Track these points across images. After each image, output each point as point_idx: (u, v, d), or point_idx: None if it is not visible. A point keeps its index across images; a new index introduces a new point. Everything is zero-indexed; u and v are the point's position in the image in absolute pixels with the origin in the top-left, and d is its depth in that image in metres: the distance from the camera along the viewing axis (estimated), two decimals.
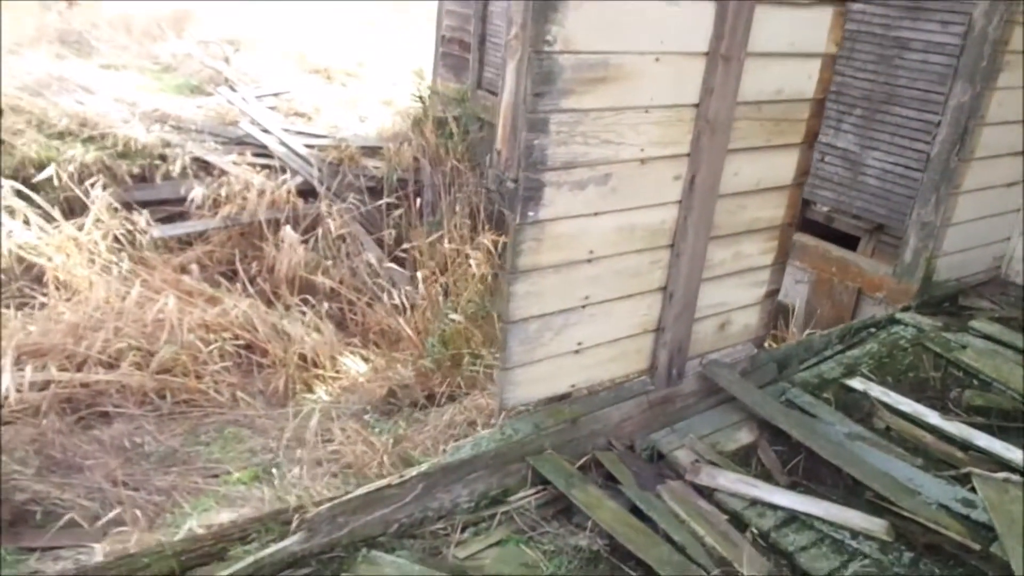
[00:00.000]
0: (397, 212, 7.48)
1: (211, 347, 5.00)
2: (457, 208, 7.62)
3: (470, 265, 5.91)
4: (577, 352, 3.07)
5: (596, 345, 3.12)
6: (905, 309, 4.51)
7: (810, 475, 3.23)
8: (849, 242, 5.60)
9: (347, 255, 6.86)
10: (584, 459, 3.11)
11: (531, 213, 2.66)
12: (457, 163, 7.95)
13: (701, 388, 3.57)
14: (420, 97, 8.71)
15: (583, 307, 3.00)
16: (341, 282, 6.59)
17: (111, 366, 5.02)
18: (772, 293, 3.72)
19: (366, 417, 4.35)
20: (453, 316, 4.73)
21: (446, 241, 5.86)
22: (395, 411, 4.51)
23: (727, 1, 2.78)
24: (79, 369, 5.03)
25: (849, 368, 3.94)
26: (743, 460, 3.29)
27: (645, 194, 2.97)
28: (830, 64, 3.32)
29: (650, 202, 3.00)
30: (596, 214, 2.85)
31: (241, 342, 5.31)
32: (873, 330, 4.32)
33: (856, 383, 3.80)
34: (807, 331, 4.70)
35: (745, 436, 3.40)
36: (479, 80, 8.81)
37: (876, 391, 3.74)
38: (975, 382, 3.92)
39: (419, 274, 5.81)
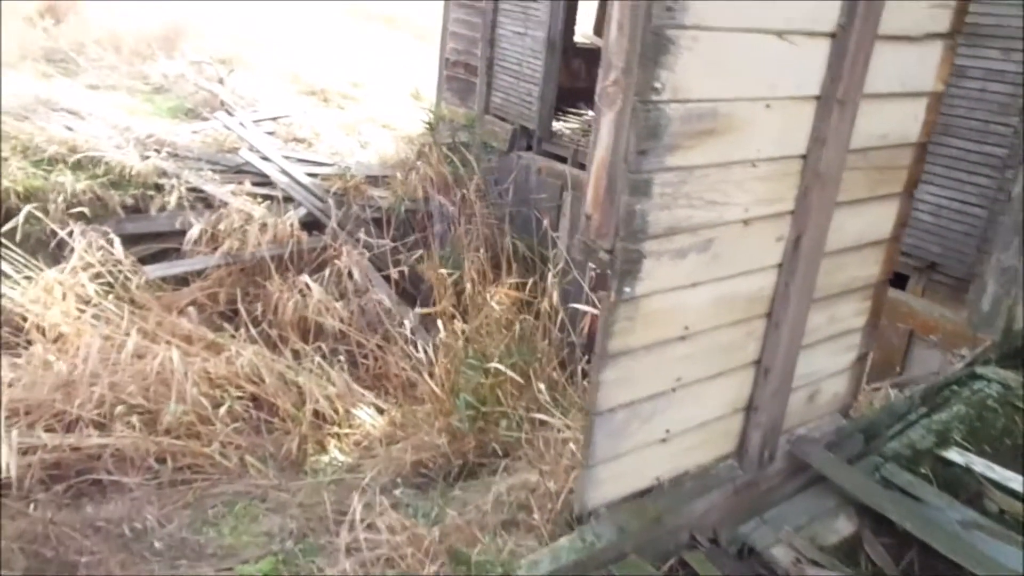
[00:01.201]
0: (406, 244, 7.06)
1: (217, 405, 4.52)
2: (469, 241, 7.22)
3: (492, 308, 5.49)
4: (664, 440, 2.65)
5: (684, 431, 2.70)
6: (986, 363, 4.13)
7: (925, 571, 2.83)
8: (896, 280, 5.24)
9: (355, 293, 6.41)
10: (670, 562, 2.69)
11: (627, 289, 2.24)
12: (468, 193, 7.55)
13: (787, 467, 3.15)
14: (428, 123, 8.29)
15: (674, 390, 2.58)
16: (350, 323, 6.14)
17: (104, 427, 4.53)
18: (863, 357, 3.32)
19: (397, 493, 3.89)
20: (493, 365, 4.29)
21: (467, 285, 5.43)
22: (428, 485, 4.05)
23: (847, 37, 2.38)
24: (69, 430, 4.54)
25: (940, 435, 3.54)
26: (848, 556, 2.88)
27: (746, 259, 2.56)
28: (936, 104, 2.93)
29: (750, 267, 2.59)
30: (694, 285, 2.44)
31: (247, 396, 4.84)
32: (956, 388, 3.93)
33: (954, 455, 3.40)
34: (879, 385, 4.31)
35: (845, 526, 2.99)
36: (487, 105, 8.43)
37: (978, 465, 3.34)
38: None
39: (439, 322, 5.37)
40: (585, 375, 5.16)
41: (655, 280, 2.31)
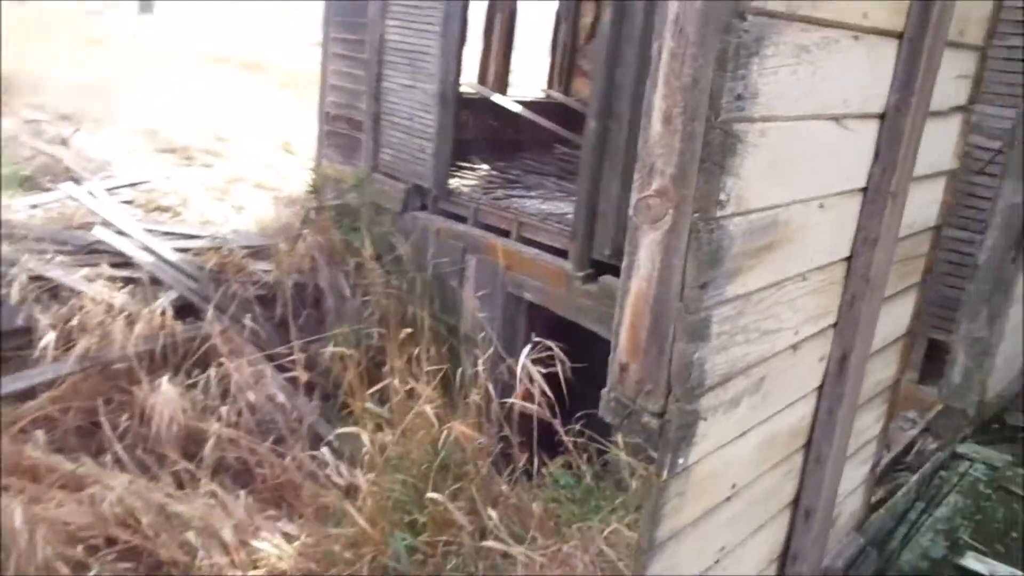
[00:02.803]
0: (298, 325, 6.23)
1: (82, 568, 3.57)
2: (369, 315, 6.51)
3: (417, 404, 4.80)
4: None
5: None
6: (962, 440, 3.86)
7: None
8: None
9: (244, 389, 5.53)
10: None
11: (681, 460, 1.68)
12: (363, 261, 6.84)
13: None
14: (312, 186, 7.52)
15: (717, 561, 2.03)
16: (240, 427, 5.26)
17: None
18: (875, 467, 2.91)
19: None
20: (433, 496, 3.60)
21: (394, 378, 4.70)
22: None
23: (901, 118, 1.95)
24: None
25: (949, 538, 3.18)
26: None
27: (792, 389, 2.06)
28: (952, 183, 2.59)
29: (794, 398, 2.10)
30: (743, 434, 1.91)
31: (121, 547, 3.91)
32: (943, 474, 3.62)
33: (973, 563, 3.03)
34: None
35: None
36: (376, 163, 7.77)
37: (1004, 572, 2.99)
38: None
39: (352, 419, 4.61)
40: (530, 476, 4.57)
41: (709, 440, 1.76)
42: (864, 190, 2.02)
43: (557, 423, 4.55)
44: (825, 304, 2.05)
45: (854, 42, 1.75)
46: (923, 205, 2.42)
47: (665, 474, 1.66)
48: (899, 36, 1.92)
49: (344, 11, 7.92)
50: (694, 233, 1.52)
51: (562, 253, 6.22)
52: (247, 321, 5.88)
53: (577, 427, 4.69)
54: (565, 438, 4.62)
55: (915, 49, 1.91)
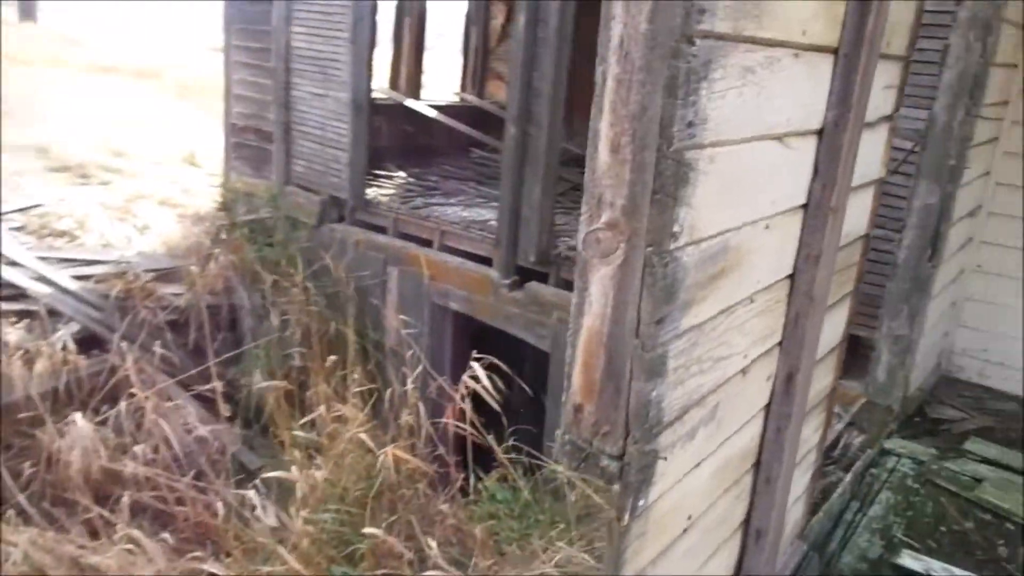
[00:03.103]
0: (215, 349, 5.93)
1: None
2: (290, 335, 6.26)
3: (336, 419, 4.62)
4: None
5: None
6: (889, 436, 3.95)
7: None
8: None
9: (159, 422, 5.21)
10: None
11: (641, 502, 1.60)
12: (280, 279, 6.57)
13: None
14: (222, 201, 7.18)
15: None
16: (154, 462, 4.95)
17: None
18: (816, 474, 2.92)
19: None
20: (368, 530, 3.43)
21: (321, 404, 4.49)
22: None
23: (839, 133, 1.93)
24: None
25: (884, 536, 3.23)
26: None
27: (742, 412, 2.02)
28: (879, 191, 2.61)
29: (744, 420, 2.05)
30: (699, 464, 1.85)
31: None
32: (874, 471, 3.69)
33: (909, 561, 3.09)
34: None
35: None
36: (288, 175, 7.50)
37: (937, 569, 3.05)
38: (1009, 527, 3.39)
39: (280, 448, 4.40)
40: (466, 493, 4.47)
41: (667, 477, 1.69)
42: (805, 207, 1.99)
43: (491, 438, 4.47)
44: (771, 324, 2.02)
45: (795, 60, 1.71)
46: (857, 215, 2.42)
47: (627, 518, 1.57)
48: (835, 51, 1.89)
49: (245, 17, 7.61)
50: (648, 267, 1.44)
51: (486, 261, 6.14)
52: (158, 349, 5.55)
53: (511, 441, 4.62)
54: (500, 456, 4.54)
55: (851, 64, 1.88)
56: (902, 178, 3.87)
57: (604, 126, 1.43)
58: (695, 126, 1.41)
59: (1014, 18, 3.93)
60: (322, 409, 4.34)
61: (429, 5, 9.91)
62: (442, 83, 12.43)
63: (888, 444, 3.86)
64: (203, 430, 5.24)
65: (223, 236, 6.89)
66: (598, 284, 1.50)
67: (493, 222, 6.28)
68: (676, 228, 1.44)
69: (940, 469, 3.68)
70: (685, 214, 1.45)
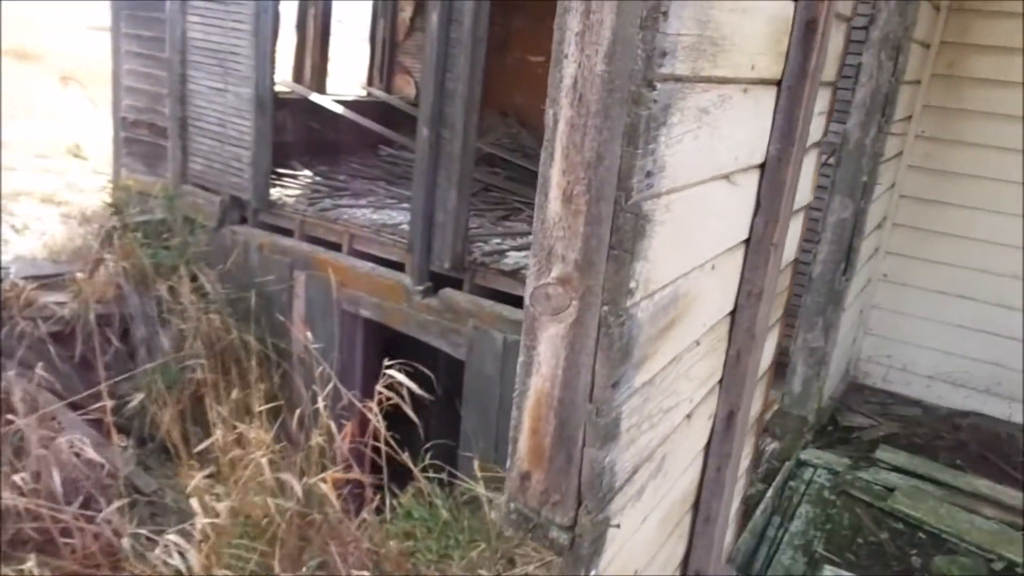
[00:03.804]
0: (105, 363, 5.51)
1: None
2: (188, 345, 5.89)
3: (238, 441, 4.36)
4: None
5: None
6: (805, 446, 4.01)
7: None
8: None
9: (42, 445, 4.79)
10: None
11: (593, 572, 1.49)
12: (177, 285, 6.18)
13: None
14: (112, 201, 6.69)
15: None
16: (36, 491, 4.55)
17: None
18: (744, 497, 2.90)
19: None
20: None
21: (219, 428, 4.19)
22: None
23: (781, 168, 1.87)
24: None
25: (806, 552, 3.26)
26: None
27: (685, 457, 1.94)
28: (807, 216, 2.59)
29: (686, 464, 1.98)
30: (645, 519, 1.76)
31: None
32: (792, 484, 3.73)
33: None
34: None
35: None
36: (184, 173, 7.06)
37: None
38: (921, 536, 3.48)
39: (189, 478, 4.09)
40: (380, 512, 4.30)
41: (616, 541, 1.59)
42: (747, 241, 1.93)
43: (406, 455, 4.32)
44: (713, 363, 1.95)
45: (744, 96, 1.63)
46: (790, 243, 2.38)
47: None
48: (777, 83, 1.82)
49: (135, 3, 7.10)
50: (604, 327, 1.32)
51: (398, 266, 5.94)
52: (40, 366, 5.10)
53: (427, 457, 4.49)
54: (417, 474, 4.39)
55: (795, 96, 1.82)
56: (818, 191, 3.91)
57: (556, 173, 1.31)
58: (653, 175, 1.30)
59: (919, 37, 4.03)
60: (218, 435, 4.05)
61: None
62: (347, 75, 12.05)
63: (804, 455, 3.91)
64: (91, 452, 4.84)
65: (114, 239, 6.41)
66: (548, 343, 1.37)
67: (405, 225, 6.09)
68: (632, 284, 1.33)
69: (854, 479, 3.76)
70: (641, 268, 1.34)
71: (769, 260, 1.92)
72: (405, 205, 6.79)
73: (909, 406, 4.56)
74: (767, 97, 1.80)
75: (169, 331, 6.04)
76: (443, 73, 5.31)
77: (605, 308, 1.31)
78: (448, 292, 5.63)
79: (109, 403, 4.91)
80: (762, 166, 1.88)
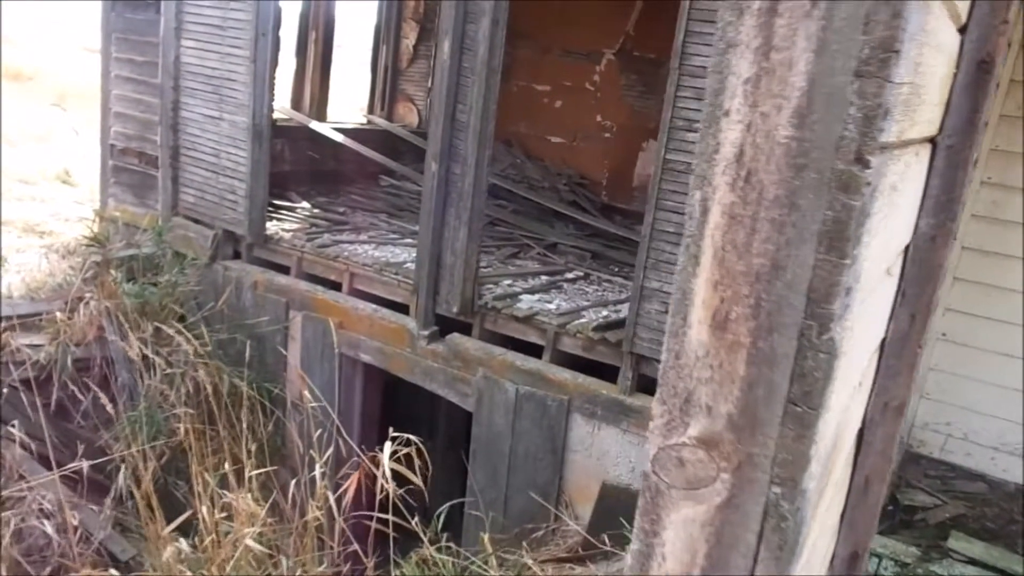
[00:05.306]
0: (83, 411, 5.05)
1: None
2: (173, 392, 5.43)
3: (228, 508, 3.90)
4: None
5: None
6: None
7: None
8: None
9: (12, 505, 4.32)
10: None
11: None
12: (163, 326, 5.72)
13: None
14: (95, 237, 6.24)
15: None
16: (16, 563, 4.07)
17: None
18: None
19: None
20: None
21: (202, 500, 3.73)
22: None
23: (939, 246, 1.44)
24: None
25: None
26: None
27: None
28: None
29: None
30: None
31: None
32: None
33: None
34: None
35: None
36: (175, 205, 6.63)
37: None
38: None
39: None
40: None
41: None
42: (882, 343, 1.50)
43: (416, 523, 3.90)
44: (839, 499, 1.51)
45: (916, 160, 1.21)
46: None
47: None
48: (931, 140, 1.41)
49: (128, 26, 6.71)
50: (771, 516, 0.88)
51: (402, 308, 5.52)
52: (13, 424, 4.63)
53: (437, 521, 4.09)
54: (428, 548, 3.95)
55: (957, 156, 1.40)
56: None
57: (701, 286, 0.87)
58: (852, 292, 0.87)
59: None
60: (203, 510, 3.59)
61: (336, 16, 9.22)
62: (347, 102, 11.69)
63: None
64: (64, 515, 4.36)
65: (97, 274, 5.95)
66: (679, 530, 0.93)
67: (409, 264, 5.67)
68: (813, 450, 0.89)
69: (927, 574, 3.31)
70: (823, 425, 0.91)
71: (913, 367, 1.49)
72: (408, 240, 6.38)
73: (973, 480, 4.13)
74: (923, 159, 1.38)
75: (154, 376, 5.57)
76: (454, 104, 4.93)
77: (776, 489, 0.87)
78: (456, 338, 5.22)
79: (85, 463, 4.46)
80: (906, 249, 1.45)
